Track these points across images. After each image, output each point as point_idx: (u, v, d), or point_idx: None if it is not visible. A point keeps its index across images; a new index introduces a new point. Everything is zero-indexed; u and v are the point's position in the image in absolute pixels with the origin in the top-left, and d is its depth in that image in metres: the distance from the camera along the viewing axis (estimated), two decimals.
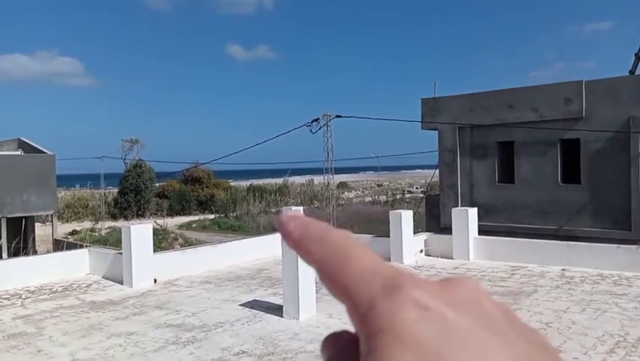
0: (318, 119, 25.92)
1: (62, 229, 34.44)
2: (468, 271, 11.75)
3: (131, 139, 54.41)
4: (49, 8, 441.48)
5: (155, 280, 11.33)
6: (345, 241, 0.39)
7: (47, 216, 25.82)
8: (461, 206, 16.45)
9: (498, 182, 17.53)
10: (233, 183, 58.89)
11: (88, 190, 55.62)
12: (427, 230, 16.37)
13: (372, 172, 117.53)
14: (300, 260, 0.41)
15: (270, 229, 27.82)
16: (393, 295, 0.35)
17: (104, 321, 8.76)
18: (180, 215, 47.32)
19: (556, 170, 16.37)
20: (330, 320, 8.33)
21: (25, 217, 20.77)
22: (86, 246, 15.36)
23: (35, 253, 20.01)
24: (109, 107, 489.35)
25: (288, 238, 0.41)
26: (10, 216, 19.97)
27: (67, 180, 64.61)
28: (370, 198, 55.36)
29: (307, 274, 8.39)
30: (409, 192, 61.61)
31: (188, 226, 41.54)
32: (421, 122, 19.05)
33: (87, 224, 40.94)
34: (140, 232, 11.38)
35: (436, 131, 18.81)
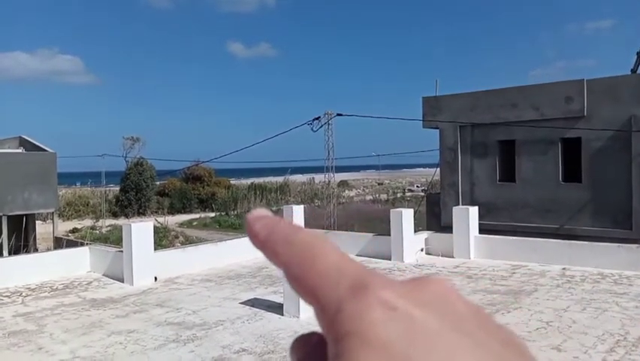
0: (320, 117, 25.92)
1: (63, 227, 34.47)
2: (469, 269, 11.75)
3: (132, 137, 54.52)
4: (49, 6, 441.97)
5: (155, 278, 11.35)
6: (312, 241, 0.38)
7: (48, 214, 25.84)
8: (462, 205, 16.44)
9: (499, 181, 17.53)
10: (234, 182, 58.96)
11: (89, 188, 55.62)
12: (428, 229, 16.38)
13: (373, 171, 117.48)
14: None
15: None
16: (360, 296, 0.34)
17: (104, 319, 8.77)
18: (181, 213, 47.39)
19: (557, 169, 16.36)
20: None
21: (26, 215, 20.80)
22: (87, 244, 15.37)
23: (36, 250, 20.06)
24: (110, 105, 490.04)
25: (254, 238, 0.40)
26: (11, 213, 19.98)
27: (68, 178, 64.68)
28: (371, 197, 55.34)
29: None
30: (410, 190, 61.62)
31: (188, 224, 41.58)
32: (422, 120, 19.05)
33: (88, 222, 40.97)
34: (140, 230, 11.39)
35: (437, 130, 18.81)
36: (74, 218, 44.04)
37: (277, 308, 8.81)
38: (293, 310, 8.52)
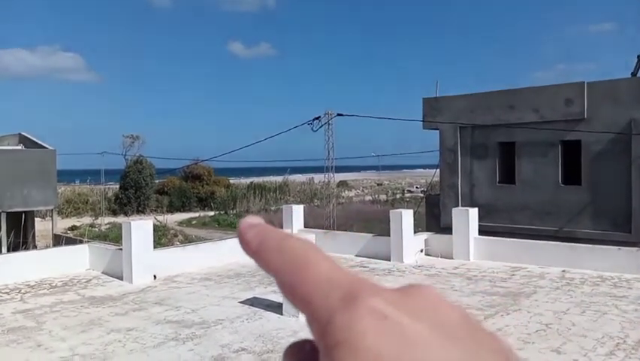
0: (320, 117, 25.92)
1: (62, 225, 34.44)
2: (468, 271, 11.75)
3: (132, 135, 54.55)
4: (49, 3, 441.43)
5: (154, 277, 11.34)
6: (304, 250, 0.39)
7: (47, 211, 25.85)
8: (461, 206, 16.45)
9: (499, 182, 17.54)
10: (233, 181, 59.00)
11: (88, 186, 55.66)
12: (427, 230, 16.38)
13: (372, 171, 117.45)
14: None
15: None
16: (351, 305, 0.34)
17: (103, 316, 8.77)
18: (180, 212, 47.42)
19: (557, 171, 16.36)
20: None
21: (25, 212, 20.80)
22: (86, 241, 15.36)
23: (35, 247, 20.05)
24: (110, 103, 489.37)
25: (246, 247, 0.41)
26: (10, 210, 19.99)
27: (67, 176, 64.66)
28: (370, 197, 55.36)
29: None
30: (409, 191, 61.62)
31: (188, 222, 41.59)
32: (423, 121, 19.05)
33: (87, 220, 40.98)
34: (140, 228, 11.39)
35: (438, 131, 18.81)
36: (73, 216, 44.03)
37: (276, 308, 8.80)
38: (292, 310, 8.52)
